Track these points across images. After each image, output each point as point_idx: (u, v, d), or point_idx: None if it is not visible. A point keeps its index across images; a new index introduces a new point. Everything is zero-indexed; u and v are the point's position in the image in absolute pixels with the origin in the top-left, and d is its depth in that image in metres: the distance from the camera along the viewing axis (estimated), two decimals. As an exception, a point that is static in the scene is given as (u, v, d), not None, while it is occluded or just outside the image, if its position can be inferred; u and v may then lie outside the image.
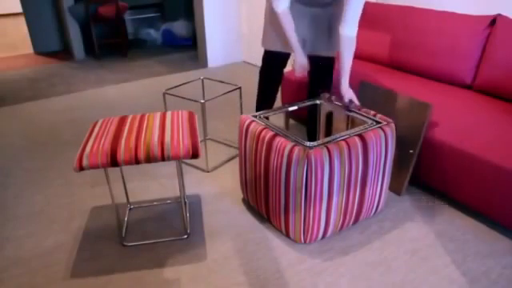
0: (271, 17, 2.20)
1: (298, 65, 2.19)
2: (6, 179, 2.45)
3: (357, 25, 1.95)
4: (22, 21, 7.51)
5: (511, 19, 2.29)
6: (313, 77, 2.37)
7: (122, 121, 1.84)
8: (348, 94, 2.03)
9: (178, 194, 2.23)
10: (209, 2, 4.31)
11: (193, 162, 2.56)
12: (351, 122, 1.98)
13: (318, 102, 2.12)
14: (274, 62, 2.35)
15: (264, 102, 2.46)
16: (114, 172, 2.46)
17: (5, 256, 1.83)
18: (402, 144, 2.08)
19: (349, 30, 1.93)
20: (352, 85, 2.56)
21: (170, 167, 2.50)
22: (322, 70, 2.32)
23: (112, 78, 4.29)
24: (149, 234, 1.93)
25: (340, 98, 2.06)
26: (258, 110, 2.49)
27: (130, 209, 2.13)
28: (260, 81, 2.45)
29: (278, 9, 2.02)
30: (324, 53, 2.24)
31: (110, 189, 1.77)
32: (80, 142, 2.88)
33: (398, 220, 1.97)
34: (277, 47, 2.26)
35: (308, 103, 2.09)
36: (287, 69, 2.70)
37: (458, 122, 2.04)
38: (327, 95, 2.13)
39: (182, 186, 2.23)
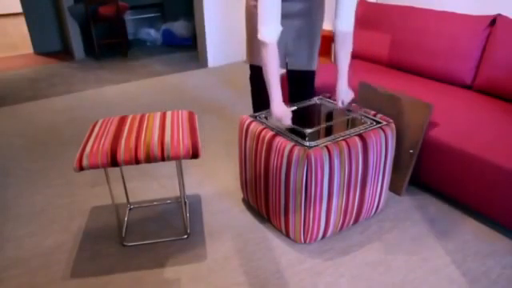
0: (254, 28, 1.99)
1: (277, 114, 1.77)
2: (6, 179, 2.45)
3: (353, 19, 1.80)
4: (22, 21, 7.50)
5: (511, 19, 2.29)
6: (294, 93, 2.29)
7: (121, 121, 1.84)
8: (347, 97, 1.92)
9: (177, 194, 2.23)
10: (209, 2, 4.31)
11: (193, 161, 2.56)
12: (351, 122, 1.98)
13: (317, 101, 2.11)
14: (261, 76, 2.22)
15: (261, 107, 2.33)
16: (114, 172, 2.46)
17: (5, 256, 1.83)
18: (402, 144, 2.08)
19: (344, 24, 1.79)
20: (352, 85, 2.56)
21: (170, 167, 2.50)
22: (304, 84, 2.23)
23: (112, 78, 4.29)
24: (149, 234, 1.93)
25: (339, 101, 1.96)
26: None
27: (130, 209, 2.13)
28: (253, 89, 2.34)
29: (267, 38, 1.69)
30: (306, 67, 2.14)
31: (109, 189, 1.78)
32: (80, 142, 2.88)
33: (397, 220, 1.97)
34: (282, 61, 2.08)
35: (308, 103, 2.09)
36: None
37: (458, 122, 2.04)
38: (327, 94, 2.12)
39: (181, 186, 2.23)
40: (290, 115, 1.76)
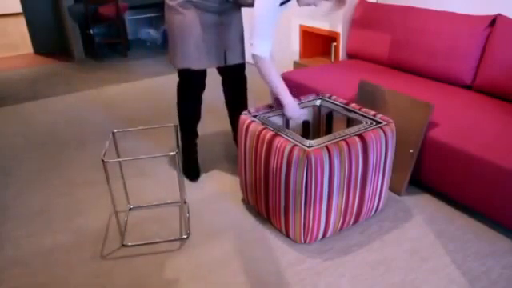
0: (184, 30, 2.00)
1: (295, 115, 1.87)
2: (6, 179, 2.45)
3: (259, 39, 1.73)
4: (22, 21, 7.50)
5: (511, 19, 2.29)
6: (230, 89, 2.39)
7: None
8: (295, 114, 1.88)
9: (177, 194, 2.23)
10: (209, 2, 4.30)
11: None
12: (351, 122, 1.98)
13: (318, 103, 2.12)
14: (197, 80, 2.19)
15: (189, 123, 2.33)
16: (113, 172, 2.46)
17: (5, 256, 1.83)
18: (402, 144, 2.07)
19: (251, 44, 1.77)
20: (352, 84, 2.56)
21: (170, 167, 2.50)
22: (239, 78, 2.33)
23: (112, 78, 4.29)
24: (149, 234, 1.93)
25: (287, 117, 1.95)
26: (183, 131, 2.36)
27: (130, 209, 2.13)
28: (180, 98, 2.28)
29: (264, 54, 1.74)
30: (239, 60, 2.19)
31: (110, 189, 1.77)
32: (80, 142, 2.88)
33: (398, 220, 1.97)
34: (201, 64, 2.07)
35: (308, 104, 2.09)
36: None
37: (458, 122, 2.04)
38: (327, 94, 2.12)
39: (182, 186, 2.23)
40: (305, 112, 1.93)
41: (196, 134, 2.40)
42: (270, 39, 1.76)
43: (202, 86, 2.26)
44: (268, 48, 1.76)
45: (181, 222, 2.00)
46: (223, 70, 2.33)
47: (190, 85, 2.22)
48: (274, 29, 1.77)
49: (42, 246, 1.88)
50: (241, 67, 2.32)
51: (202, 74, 2.20)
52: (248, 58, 2.08)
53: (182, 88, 2.26)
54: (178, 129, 2.24)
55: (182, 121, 2.34)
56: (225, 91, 2.46)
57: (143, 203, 2.17)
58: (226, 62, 2.16)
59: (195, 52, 2.05)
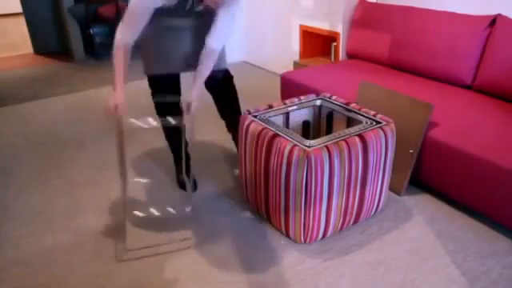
0: (160, 37, 2.00)
1: (114, 101, 1.83)
2: (6, 179, 2.45)
3: (223, 40, 1.88)
4: (22, 21, 7.49)
5: (511, 19, 2.29)
6: (217, 97, 2.29)
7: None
8: (193, 104, 1.90)
9: (177, 194, 2.23)
10: (209, 2, 4.30)
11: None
12: (351, 122, 1.98)
13: (318, 103, 2.12)
14: (161, 85, 2.16)
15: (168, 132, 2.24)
16: (113, 172, 2.46)
17: (5, 256, 1.83)
18: (402, 144, 2.08)
19: (214, 42, 1.86)
20: (352, 85, 2.56)
21: (169, 167, 2.50)
22: (222, 86, 2.24)
23: (112, 78, 4.28)
24: (149, 234, 1.93)
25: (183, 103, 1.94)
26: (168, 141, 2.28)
27: (130, 209, 2.12)
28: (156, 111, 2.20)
29: (118, 41, 1.83)
30: (216, 67, 2.05)
31: (124, 187, 1.77)
32: (80, 142, 2.88)
33: (398, 220, 1.97)
34: (174, 68, 2.05)
35: (308, 104, 2.09)
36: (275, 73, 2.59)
37: (458, 122, 2.04)
38: (328, 94, 2.12)
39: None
40: (118, 106, 1.81)
41: (179, 144, 2.24)
42: (132, 29, 1.82)
43: (169, 92, 2.17)
44: (125, 37, 1.82)
45: (181, 222, 2.00)
46: (208, 86, 2.22)
47: (154, 91, 2.20)
48: (143, 22, 1.82)
49: (42, 246, 1.88)
50: (221, 78, 2.21)
51: (163, 81, 2.14)
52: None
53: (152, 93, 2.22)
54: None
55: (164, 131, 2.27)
56: (217, 106, 2.37)
57: (143, 203, 2.17)
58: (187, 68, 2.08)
59: (153, 58, 2.07)
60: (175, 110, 2.12)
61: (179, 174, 2.31)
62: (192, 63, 2.00)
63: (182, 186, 2.27)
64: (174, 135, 2.23)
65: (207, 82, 2.07)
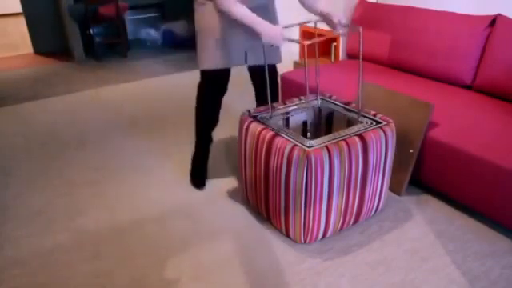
0: (212, 30, 1.99)
1: (270, 33, 1.77)
2: (6, 179, 2.45)
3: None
4: (22, 21, 7.50)
5: (511, 19, 2.29)
6: (259, 90, 2.28)
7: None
8: (343, 17, 1.92)
9: (180, 194, 2.23)
10: (209, 2, 4.30)
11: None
12: (351, 122, 1.98)
13: (318, 103, 2.11)
14: (222, 80, 2.11)
15: (207, 128, 2.25)
16: (112, 171, 2.46)
17: (5, 256, 1.83)
18: (402, 144, 2.08)
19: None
20: (352, 85, 2.56)
21: (170, 167, 2.50)
22: (268, 80, 2.16)
23: (112, 78, 4.29)
24: (148, 234, 1.93)
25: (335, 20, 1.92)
26: (199, 136, 2.28)
27: (130, 209, 2.12)
28: (200, 102, 2.19)
29: (230, 2, 1.78)
30: (268, 61, 2.05)
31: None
32: (80, 142, 2.88)
33: (397, 220, 1.97)
34: (226, 63, 2.01)
35: (308, 104, 2.09)
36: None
37: (458, 122, 2.04)
38: (328, 94, 2.12)
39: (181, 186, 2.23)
40: (283, 32, 1.76)
41: (211, 140, 2.30)
42: None
43: (225, 89, 2.16)
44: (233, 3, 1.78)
45: (181, 222, 2.00)
46: (251, 73, 2.23)
47: (213, 87, 2.13)
48: None
49: (42, 246, 1.88)
50: (268, 71, 2.09)
51: (224, 76, 2.10)
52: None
53: (203, 91, 2.16)
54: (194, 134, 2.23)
55: (200, 125, 2.24)
56: (257, 95, 2.36)
57: (143, 203, 2.17)
58: (246, 61, 2.07)
59: (217, 51, 1.98)
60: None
61: (204, 173, 2.31)
62: (250, 59, 2.04)
63: (200, 185, 2.28)
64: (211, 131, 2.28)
65: (255, 71, 2.11)
